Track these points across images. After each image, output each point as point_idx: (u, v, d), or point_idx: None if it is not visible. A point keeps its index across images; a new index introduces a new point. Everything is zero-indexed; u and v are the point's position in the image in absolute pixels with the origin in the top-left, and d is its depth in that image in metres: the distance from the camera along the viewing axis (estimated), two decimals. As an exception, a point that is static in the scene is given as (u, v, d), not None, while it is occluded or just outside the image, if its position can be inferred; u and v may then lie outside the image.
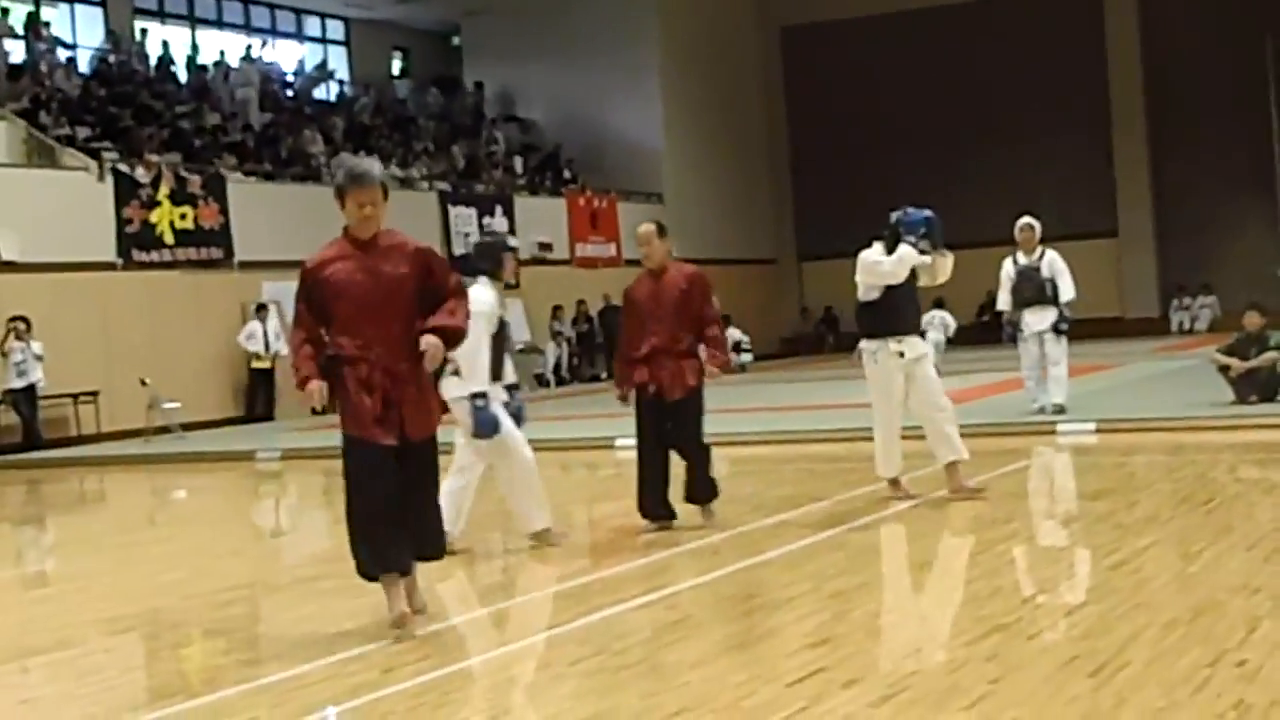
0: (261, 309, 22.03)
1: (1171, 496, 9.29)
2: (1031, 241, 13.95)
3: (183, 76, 27.17)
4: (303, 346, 6.38)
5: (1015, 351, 14.18)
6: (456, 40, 34.96)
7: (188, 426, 19.67)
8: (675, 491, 8.97)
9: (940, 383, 9.66)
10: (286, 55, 31.22)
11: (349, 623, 6.65)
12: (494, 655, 6.19)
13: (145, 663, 6.83)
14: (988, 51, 32.77)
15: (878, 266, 9.40)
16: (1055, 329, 13.72)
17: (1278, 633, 5.41)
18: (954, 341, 23.04)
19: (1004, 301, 14.06)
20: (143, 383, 19.58)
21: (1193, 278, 32.03)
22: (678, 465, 8.94)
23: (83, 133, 22.40)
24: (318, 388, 6.28)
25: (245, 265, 22.42)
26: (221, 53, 28.35)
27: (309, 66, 31.19)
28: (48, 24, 25.70)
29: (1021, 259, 13.97)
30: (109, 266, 20.90)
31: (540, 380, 26.38)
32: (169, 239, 21.61)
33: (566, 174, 31.43)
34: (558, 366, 27.79)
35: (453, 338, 6.38)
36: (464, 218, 26.73)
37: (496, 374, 8.33)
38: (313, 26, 32.79)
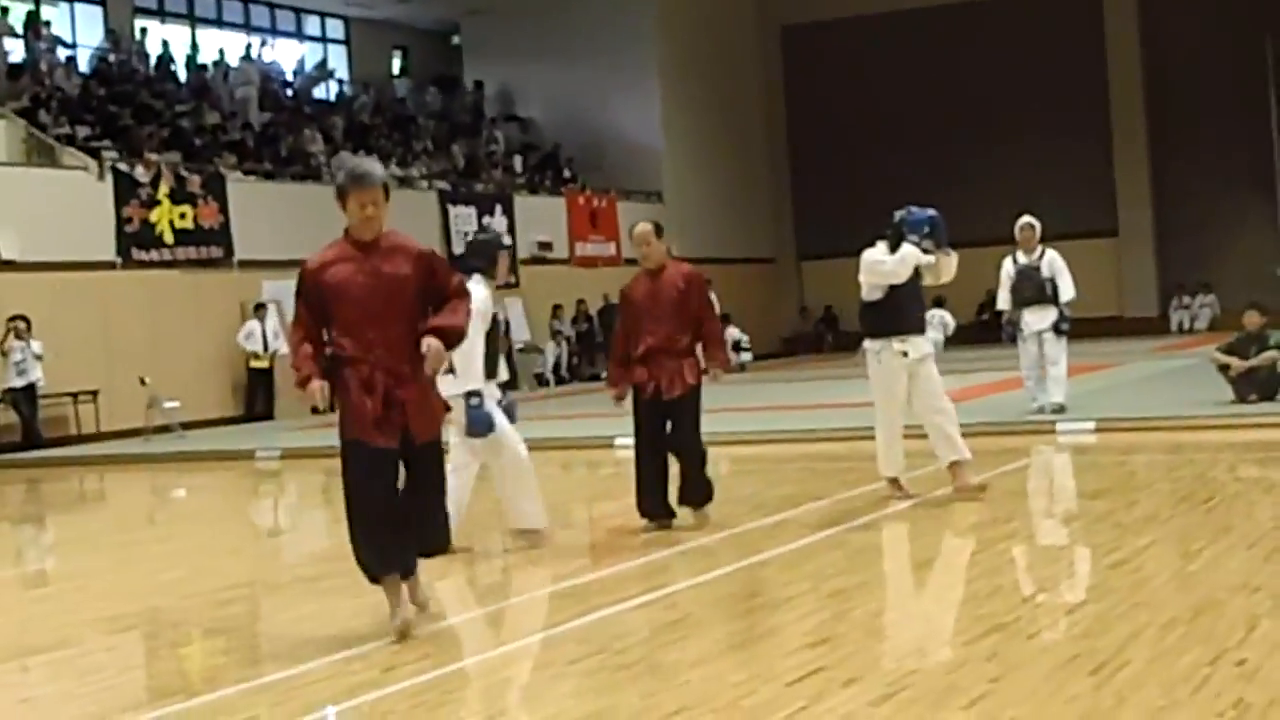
0: (260, 308, 22.02)
1: (1171, 495, 9.29)
2: (1031, 241, 13.95)
3: (182, 76, 27.15)
4: (302, 346, 6.33)
5: (1015, 351, 14.18)
6: (456, 39, 34.94)
7: (187, 425, 19.66)
8: (675, 492, 8.96)
9: (942, 383, 9.66)
10: (286, 54, 31.19)
11: (349, 622, 6.65)
12: (493, 654, 6.19)
13: (145, 662, 6.83)
14: (988, 51, 32.74)
15: (880, 266, 9.39)
16: (1055, 329, 13.71)
17: (1277, 632, 5.42)
18: (953, 340, 23.04)
19: (1004, 301, 14.06)
20: (142, 382, 19.57)
21: (1192, 277, 32.02)
22: (676, 465, 8.93)
23: (82, 132, 22.39)
24: (319, 387, 6.24)
25: (245, 264, 22.41)
26: (221, 52, 28.33)
27: (309, 66, 31.16)
28: (48, 23, 25.68)
29: (1021, 258, 13.97)
30: (109, 266, 20.88)
31: (540, 379, 26.39)
32: (169, 238, 21.60)
33: (566, 173, 31.41)
34: (557, 366, 27.78)
35: (453, 338, 6.35)
36: (464, 217, 26.72)
37: (490, 372, 8.32)
38: (312, 25, 32.78)
